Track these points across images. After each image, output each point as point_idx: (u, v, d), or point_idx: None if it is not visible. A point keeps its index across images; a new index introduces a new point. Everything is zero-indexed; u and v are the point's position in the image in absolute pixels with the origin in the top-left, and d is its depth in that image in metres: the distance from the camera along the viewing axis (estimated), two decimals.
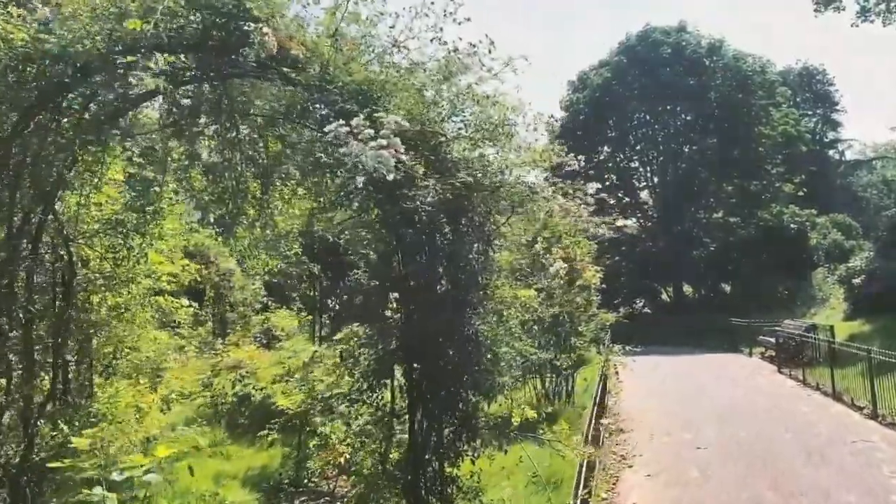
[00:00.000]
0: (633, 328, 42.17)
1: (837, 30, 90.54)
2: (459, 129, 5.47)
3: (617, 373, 16.79)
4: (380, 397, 5.99)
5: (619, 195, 46.23)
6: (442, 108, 5.47)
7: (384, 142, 3.93)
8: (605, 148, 49.76)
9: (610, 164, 49.70)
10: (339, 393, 7.09)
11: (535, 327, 13.70)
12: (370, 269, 5.83)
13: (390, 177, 4.01)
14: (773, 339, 24.51)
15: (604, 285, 26.25)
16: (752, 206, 44.74)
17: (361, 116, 4.10)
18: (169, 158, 7.04)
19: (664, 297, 49.93)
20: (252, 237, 6.93)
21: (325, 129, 4.24)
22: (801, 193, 46.60)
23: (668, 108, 47.10)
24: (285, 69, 5.46)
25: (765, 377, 20.85)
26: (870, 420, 13.42)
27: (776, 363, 23.15)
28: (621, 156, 49.74)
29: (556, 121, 49.16)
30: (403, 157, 4.06)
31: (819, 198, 49.04)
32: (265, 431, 9.65)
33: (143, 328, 7.89)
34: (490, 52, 5.37)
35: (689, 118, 46.84)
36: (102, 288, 7.13)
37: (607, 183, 44.68)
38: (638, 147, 49.31)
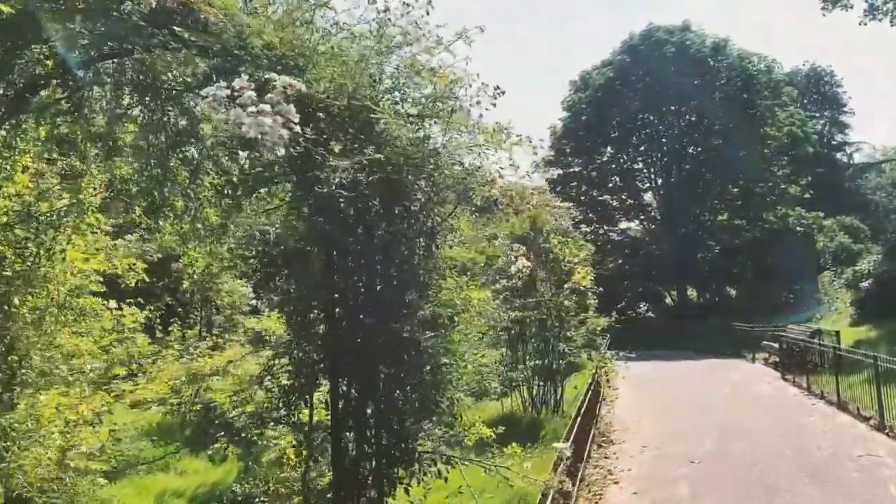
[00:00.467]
0: (635, 332, 41.63)
1: (840, 30, 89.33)
2: (396, 103, 4.72)
3: (608, 381, 15.96)
4: (300, 417, 5.19)
5: (623, 197, 45.58)
6: (380, 81, 4.72)
7: (267, 107, 3.19)
8: (608, 149, 49.00)
9: (613, 166, 48.98)
10: (246, 411, 6.22)
11: (503, 335, 12.96)
12: (289, 267, 5.06)
13: (280, 151, 3.26)
14: (776, 345, 23.64)
15: (601, 288, 25.53)
16: (758, 209, 43.93)
17: (245, 77, 3.35)
18: (89, 144, 6.29)
19: (668, 300, 49.06)
20: (180, 231, 6.18)
21: (203, 92, 3.52)
22: (807, 196, 45.68)
23: (672, 108, 46.26)
24: (195, 37, 4.71)
25: (767, 384, 19.98)
26: (876, 432, 12.56)
27: (780, 369, 22.28)
28: (624, 157, 48.95)
29: (560, 121, 48.54)
30: (297, 128, 3.30)
31: (826, 200, 48.07)
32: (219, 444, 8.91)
33: (70, 332, 7.10)
34: (427, 13, 4.61)
35: (693, 118, 45.99)
36: (20, 288, 6.42)
37: (610, 185, 44.23)
38: (641, 148, 48.47)
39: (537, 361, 13.99)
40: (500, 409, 14.00)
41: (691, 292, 48.60)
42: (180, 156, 6.03)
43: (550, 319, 13.84)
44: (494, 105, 4.76)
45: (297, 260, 4.91)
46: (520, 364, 14.07)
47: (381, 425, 4.87)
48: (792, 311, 37.07)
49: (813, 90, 62.38)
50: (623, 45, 46.64)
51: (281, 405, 5.15)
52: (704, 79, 44.22)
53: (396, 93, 5.08)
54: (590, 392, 13.01)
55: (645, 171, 48.80)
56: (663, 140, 47.52)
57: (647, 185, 48.87)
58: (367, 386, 4.77)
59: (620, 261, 49.23)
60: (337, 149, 4.06)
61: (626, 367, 15.51)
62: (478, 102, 4.59)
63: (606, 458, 11.96)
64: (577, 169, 49.09)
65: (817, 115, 61.79)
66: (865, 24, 30.22)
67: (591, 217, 49.35)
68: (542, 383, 13.94)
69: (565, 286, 14.08)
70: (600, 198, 49.29)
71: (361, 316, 4.75)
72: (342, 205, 4.21)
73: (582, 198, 49.25)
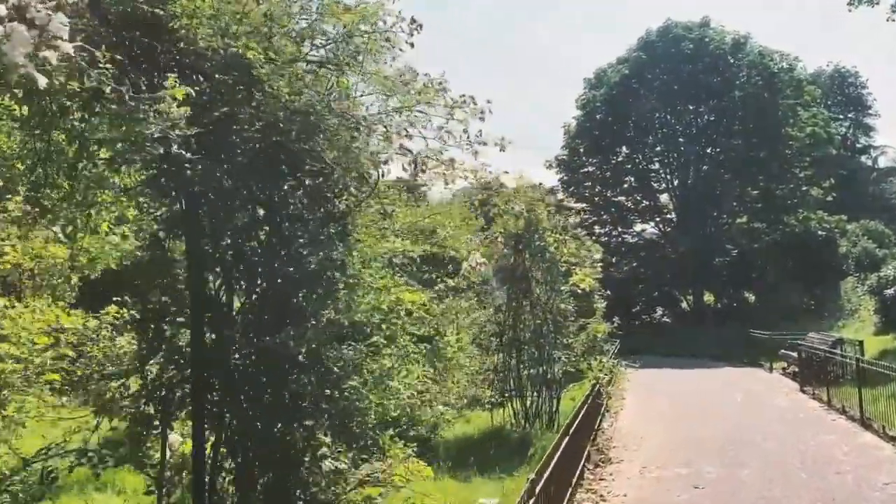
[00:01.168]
0: (649, 338, 40.41)
1: (864, 31, 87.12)
2: (292, 51, 3.64)
3: (612, 391, 14.79)
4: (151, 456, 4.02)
5: (638, 198, 44.13)
6: (279, 19, 3.64)
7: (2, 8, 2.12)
8: (623, 149, 47.69)
9: (628, 166, 47.66)
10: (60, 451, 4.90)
11: (494, 340, 11.86)
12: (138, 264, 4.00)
13: (42, 83, 2.20)
14: (795, 354, 22.31)
15: (608, 291, 24.30)
16: (778, 211, 42.42)
17: None
18: None
19: (684, 305, 47.63)
20: (69, 216, 5.14)
21: None
22: (830, 199, 44.03)
23: (690, 107, 44.85)
24: None
25: (784, 397, 18.69)
26: None
27: (798, 380, 20.98)
28: (640, 157, 47.60)
29: (573, 119, 47.27)
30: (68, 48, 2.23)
31: (849, 204, 46.39)
32: None
33: None
34: None
35: (711, 118, 44.54)
36: None
37: (625, 185, 42.83)
38: (658, 148, 47.08)
39: (532, 370, 12.84)
40: (489, 421, 12.89)
41: (708, 297, 47.13)
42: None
43: (546, 324, 12.69)
44: (412, 45, 3.67)
45: (151, 252, 3.81)
46: (512, 372, 12.94)
47: (265, 469, 3.72)
48: (812, 318, 35.62)
49: (837, 92, 60.56)
50: (639, 42, 45.29)
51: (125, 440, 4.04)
52: (724, 77, 42.82)
53: (308, 41, 3.98)
54: (587, 404, 11.83)
55: (661, 171, 47.41)
56: (680, 140, 46.10)
57: (664, 186, 47.45)
58: (246, 417, 3.64)
59: (635, 264, 47.90)
60: (179, 95, 2.99)
61: (632, 374, 14.25)
62: (387, 41, 3.48)
63: (602, 479, 10.80)
64: (590, 169, 47.79)
65: (841, 117, 60.04)
66: (893, 20, 28.90)
67: (605, 218, 48.08)
68: (536, 394, 12.79)
69: (562, 288, 12.92)
70: (615, 199, 47.96)
71: (240, 326, 3.64)
72: (202, 178, 3.11)
73: (596, 199, 48.01)
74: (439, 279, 12.61)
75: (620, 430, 14.23)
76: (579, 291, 13.05)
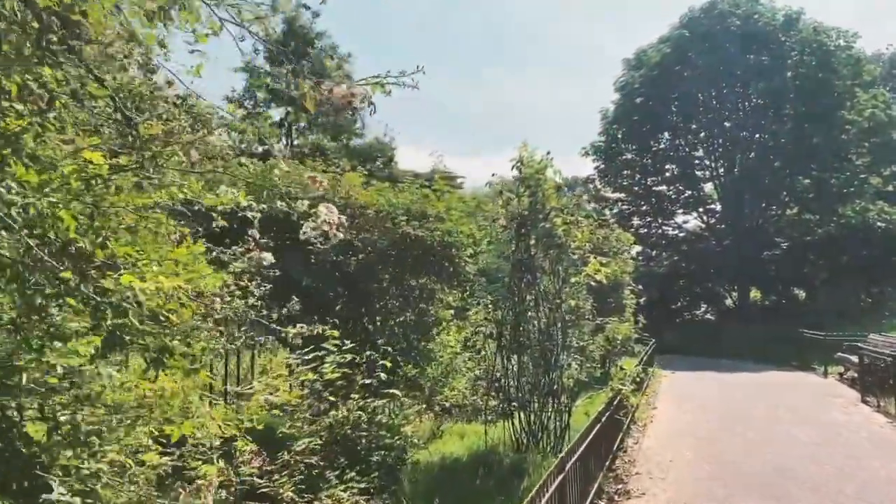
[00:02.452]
0: (690, 337, 37.74)
1: None
2: None
3: (637, 402, 12.50)
4: None
5: (680, 187, 41.22)
6: None
7: None
8: (665, 135, 44.84)
9: (670, 153, 44.81)
10: None
11: (490, 342, 9.63)
12: None
13: None
14: (855, 358, 19.66)
15: (639, 286, 21.89)
16: (832, 202, 39.16)
17: None
18: None
19: (728, 302, 44.74)
20: None
21: None
22: (890, 188, 40.67)
23: (737, 89, 41.79)
24: None
25: (843, 409, 16.14)
26: None
27: (858, 388, 18.41)
28: (682, 143, 44.66)
29: (612, 104, 44.65)
30: None
31: None
32: None
33: None
34: None
35: (760, 101, 41.35)
36: None
37: (666, 174, 39.94)
38: (702, 134, 44.12)
39: (535, 378, 10.64)
40: (482, 439, 10.71)
41: (754, 294, 44.17)
42: None
43: (554, 323, 10.47)
44: None
45: None
46: (512, 380, 10.76)
47: None
48: (870, 318, 32.63)
49: None
50: (682, 19, 42.29)
51: None
52: (774, 56, 39.68)
53: None
54: (602, 422, 9.59)
55: (705, 159, 44.40)
56: (726, 125, 43.08)
57: (708, 174, 44.45)
58: None
59: (676, 258, 45.19)
60: None
61: (667, 378, 11.93)
62: None
63: None
64: (629, 156, 45.05)
65: None
66: None
67: (645, 209, 45.37)
68: (540, 407, 10.57)
69: (574, 280, 10.69)
70: (655, 188, 45.18)
71: None
72: None
73: (635, 188, 45.36)
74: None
75: (646, 450, 11.95)
76: (593, 284, 10.77)
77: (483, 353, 11.10)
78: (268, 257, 3.80)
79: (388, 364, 8.39)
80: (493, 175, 10.83)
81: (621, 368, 11.17)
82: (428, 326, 11.13)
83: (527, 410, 10.77)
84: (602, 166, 45.22)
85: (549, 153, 10.34)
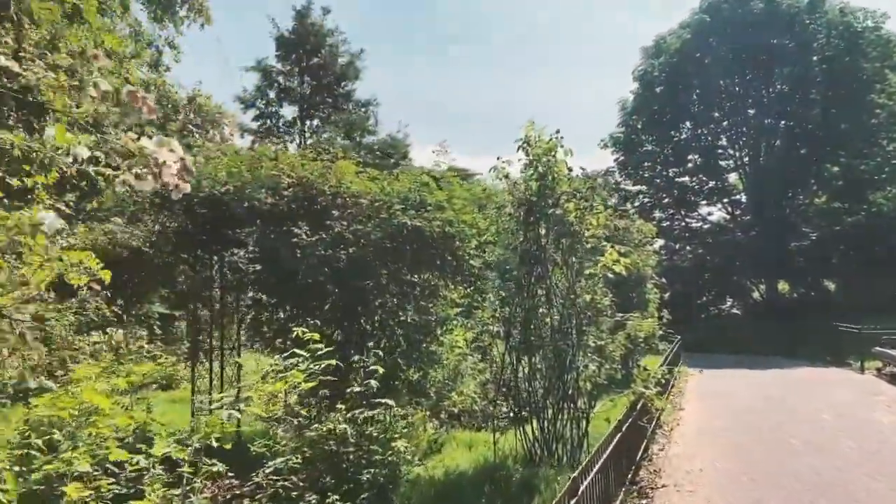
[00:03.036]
0: (716, 333, 36.43)
1: None
2: None
3: (662, 404, 11.42)
4: None
5: (703, 178, 39.84)
6: None
7: None
8: (687, 124, 43.51)
9: (693, 143, 43.44)
10: None
11: (493, 341, 8.64)
12: None
13: None
14: (895, 352, 18.46)
15: (664, 279, 20.78)
16: (863, 190, 37.75)
17: None
18: None
19: (755, 295, 43.31)
20: None
21: None
22: None
23: (761, 75, 40.37)
24: None
25: (886, 409, 14.93)
26: None
27: None
28: (705, 133, 43.27)
29: (630, 93, 43.40)
30: None
31: None
32: None
33: None
34: None
35: (786, 87, 39.91)
36: None
37: (689, 165, 38.63)
38: (725, 122, 42.75)
39: (548, 381, 9.62)
40: (491, 449, 9.70)
41: (782, 287, 42.70)
42: None
43: (567, 320, 9.44)
44: None
45: None
46: (522, 384, 9.76)
47: None
48: None
49: None
50: (702, 3, 40.91)
51: None
52: (799, 40, 38.25)
53: None
54: (621, 430, 8.56)
55: (729, 148, 43.02)
56: (750, 112, 41.65)
57: (732, 164, 43.08)
58: None
59: (700, 251, 43.82)
60: None
61: (694, 377, 10.85)
62: None
63: None
64: (650, 147, 43.73)
65: None
66: None
67: (667, 201, 44.04)
68: (553, 414, 9.53)
69: (590, 272, 9.66)
70: (678, 179, 43.84)
71: None
72: None
73: (656, 180, 44.06)
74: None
75: (673, 458, 10.88)
76: (612, 276, 9.72)
77: (491, 354, 10.09)
78: (52, 219, 2.55)
79: (381, 369, 7.39)
80: (497, 159, 9.82)
81: (644, 369, 10.08)
82: (430, 326, 10.14)
83: (540, 417, 9.76)
84: (622, 158, 43.97)
85: (558, 132, 9.32)
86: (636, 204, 42.40)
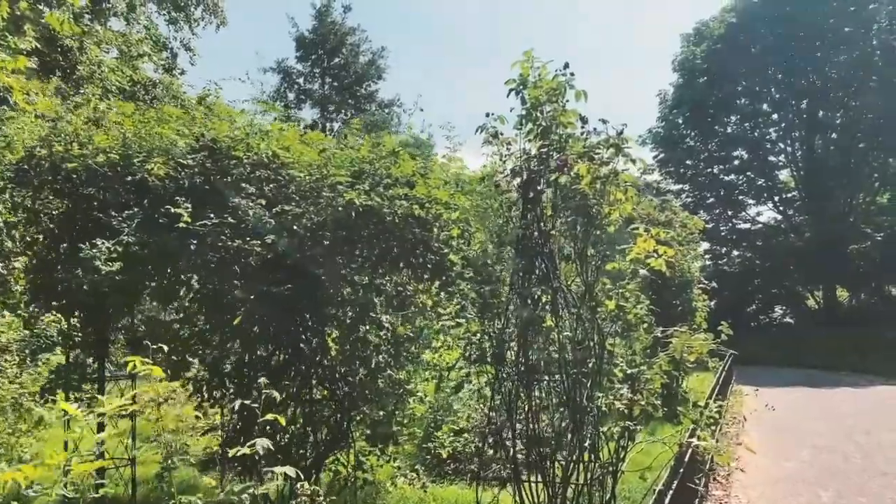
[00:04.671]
0: (768, 344, 32.95)
1: None
2: None
3: (706, 449, 8.46)
4: None
5: (751, 176, 36.04)
6: None
7: None
8: (732, 118, 40.08)
9: (739, 138, 40.02)
10: None
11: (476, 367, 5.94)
12: None
13: None
14: None
15: (713, 283, 17.80)
16: None
17: None
18: None
19: (811, 303, 39.68)
20: None
21: None
22: None
23: (815, 62, 36.75)
24: None
25: None
26: None
27: None
28: (752, 126, 39.82)
29: (670, 85, 40.29)
30: None
31: None
32: None
33: None
34: None
35: (841, 75, 36.30)
36: None
37: (735, 161, 34.97)
38: (775, 115, 39.29)
39: (557, 423, 6.76)
40: None
41: (841, 293, 38.99)
42: None
43: (586, 337, 6.57)
44: None
45: None
46: (520, 427, 6.91)
47: None
48: None
49: None
50: None
51: None
52: (857, 21, 34.69)
53: None
54: (667, 500, 5.71)
55: (780, 143, 39.52)
56: (803, 104, 38.10)
57: (783, 159, 39.56)
58: None
59: (749, 254, 40.40)
60: None
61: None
62: None
63: None
64: (692, 143, 40.41)
65: None
66: None
67: (712, 202, 40.67)
68: (566, 469, 6.67)
69: (615, 266, 6.81)
70: (723, 178, 40.47)
71: None
72: None
73: (700, 178, 40.73)
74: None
75: None
76: (647, 274, 6.82)
77: (473, 384, 7.31)
78: None
79: (282, 420, 4.67)
80: (487, 115, 7.01)
81: (695, 404, 7.16)
82: (399, 346, 7.40)
83: (545, 474, 6.88)
84: (662, 156, 40.68)
85: (567, 66, 6.51)
86: (678, 204, 39.12)
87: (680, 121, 40.03)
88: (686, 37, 39.34)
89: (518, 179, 6.86)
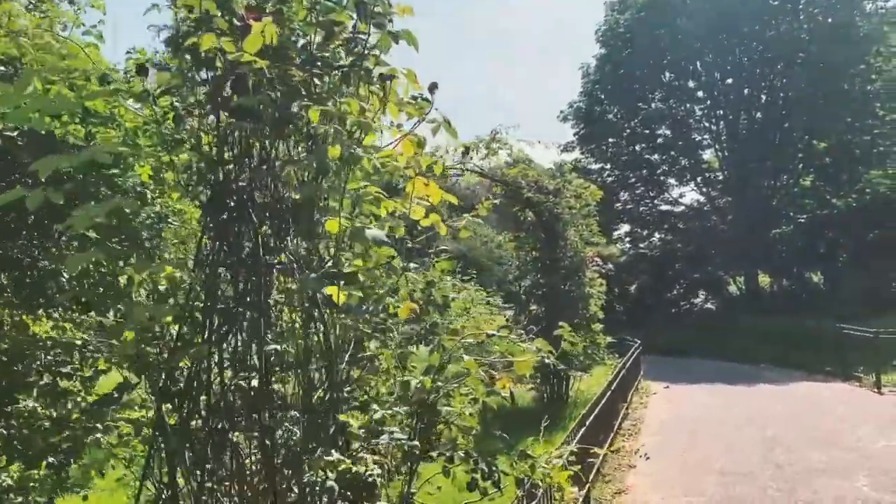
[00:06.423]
0: (688, 332, 31.12)
1: None
2: None
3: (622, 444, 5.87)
4: None
5: (674, 155, 33.48)
6: None
7: None
8: (656, 94, 38.24)
9: (663, 116, 38.21)
10: None
11: None
12: None
13: None
14: None
15: (609, 266, 15.65)
16: (857, 168, 32.67)
17: None
18: None
19: (732, 288, 38.31)
20: None
21: None
22: None
23: (742, 36, 35.00)
24: None
25: None
26: None
27: None
28: (677, 103, 38.05)
29: (593, 58, 38.06)
30: None
31: None
32: None
33: None
34: None
35: (769, 51, 34.69)
36: None
37: (659, 140, 32.29)
38: (700, 92, 37.61)
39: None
40: None
41: (763, 279, 37.68)
42: None
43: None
44: None
45: None
46: None
47: None
48: None
49: None
50: None
51: None
52: None
53: None
54: None
55: (704, 121, 37.88)
56: (729, 80, 36.50)
57: (708, 139, 37.98)
58: None
59: (671, 237, 38.73)
60: None
61: (659, 396, 5.84)
62: None
63: None
64: (614, 120, 38.38)
65: None
66: None
67: (633, 181, 38.81)
68: None
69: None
70: (646, 156, 38.69)
71: None
72: None
73: (622, 157, 38.78)
74: None
75: None
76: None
77: None
78: None
79: None
80: None
81: (523, 454, 4.50)
82: None
83: None
84: (583, 132, 38.51)
85: None
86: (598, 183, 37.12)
87: (602, 96, 37.96)
88: (610, 4, 37.17)
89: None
